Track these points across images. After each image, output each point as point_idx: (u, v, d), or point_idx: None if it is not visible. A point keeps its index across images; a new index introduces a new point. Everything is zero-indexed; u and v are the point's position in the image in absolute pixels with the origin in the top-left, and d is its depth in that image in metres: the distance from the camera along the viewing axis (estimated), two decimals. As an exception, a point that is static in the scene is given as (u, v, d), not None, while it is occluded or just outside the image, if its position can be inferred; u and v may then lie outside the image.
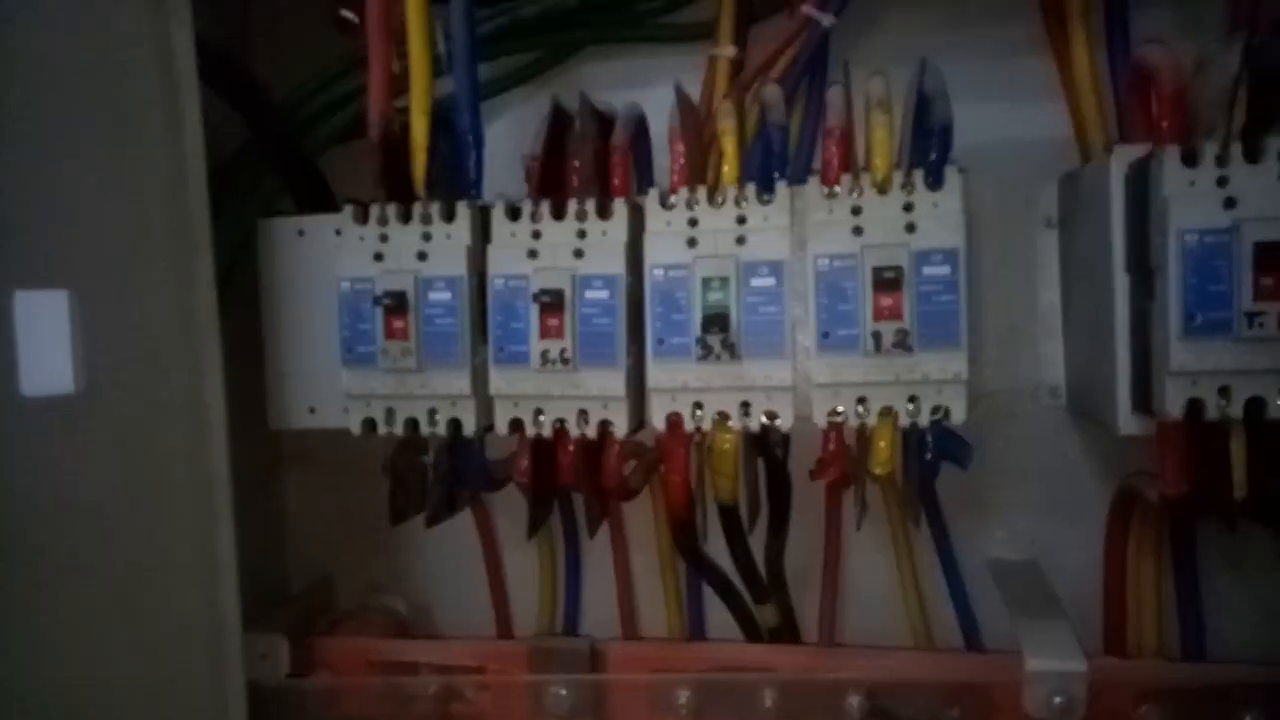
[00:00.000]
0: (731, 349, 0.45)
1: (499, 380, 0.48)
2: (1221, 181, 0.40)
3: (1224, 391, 0.41)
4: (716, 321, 0.45)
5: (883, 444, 0.47)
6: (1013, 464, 0.58)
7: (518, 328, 0.47)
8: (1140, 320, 0.44)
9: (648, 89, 0.58)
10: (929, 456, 0.47)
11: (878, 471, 0.48)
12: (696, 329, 0.45)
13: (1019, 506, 0.58)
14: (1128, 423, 0.46)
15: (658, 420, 0.47)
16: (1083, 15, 0.52)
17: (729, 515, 0.50)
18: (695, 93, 0.56)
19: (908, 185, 0.44)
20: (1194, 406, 0.41)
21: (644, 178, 0.53)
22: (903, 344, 0.43)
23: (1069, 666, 0.46)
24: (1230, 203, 0.40)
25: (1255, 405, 0.41)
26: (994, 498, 0.58)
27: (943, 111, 0.45)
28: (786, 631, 0.58)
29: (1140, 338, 0.44)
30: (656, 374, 0.46)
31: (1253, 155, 0.40)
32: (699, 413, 0.46)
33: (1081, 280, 0.53)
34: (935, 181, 0.44)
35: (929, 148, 0.45)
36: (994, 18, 0.56)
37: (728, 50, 0.56)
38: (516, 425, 0.49)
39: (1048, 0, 0.54)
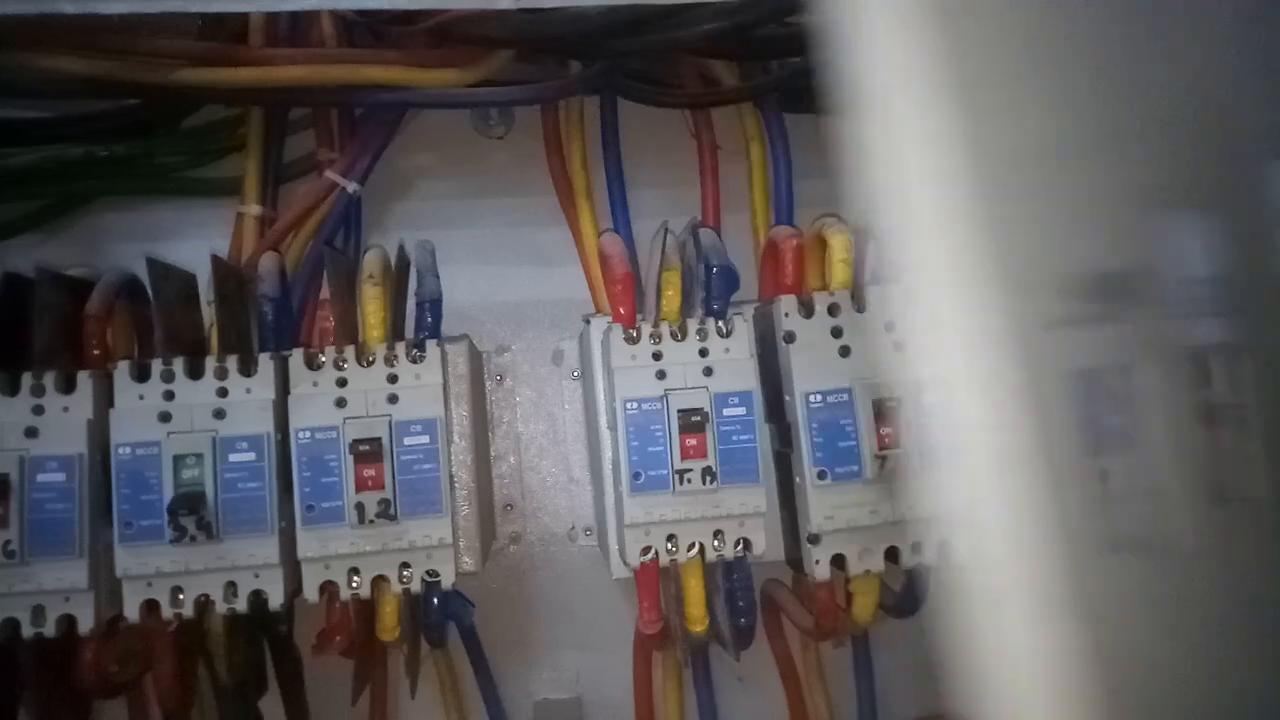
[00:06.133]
0: (208, 529, 0.43)
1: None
2: (656, 356, 0.47)
3: (671, 539, 0.46)
4: (189, 501, 0.42)
5: (388, 610, 0.47)
6: (555, 603, 0.60)
7: (-46, 519, 0.42)
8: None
9: (171, 242, 0.56)
10: (432, 619, 0.48)
11: (385, 638, 0.48)
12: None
13: (563, 644, 0.61)
14: (618, 568, 0.50)
15: (130, 610, 0.43)
16: (587, 194, 0.59)
17: (226, 697, 0.47)
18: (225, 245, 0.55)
19: (391, 358, 0.46)
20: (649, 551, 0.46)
21: (144, 342, 0.50)
22: (386, 514, 0.44)
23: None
24: (662, 374, 0.46)
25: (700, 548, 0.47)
26: (541, 637, 0.60)
27: (431, 287, 0.48)
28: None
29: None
30: (126, 561, 0.43)
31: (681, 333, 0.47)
32: (181, 597, 0.43)
33: (591, 429, 0.57)
34: (419, 354, 0.46)
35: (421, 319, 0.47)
36: (511, 190, 0.61)
37: (253, 209, 0.56)
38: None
39: (558, 179, 0.60)
